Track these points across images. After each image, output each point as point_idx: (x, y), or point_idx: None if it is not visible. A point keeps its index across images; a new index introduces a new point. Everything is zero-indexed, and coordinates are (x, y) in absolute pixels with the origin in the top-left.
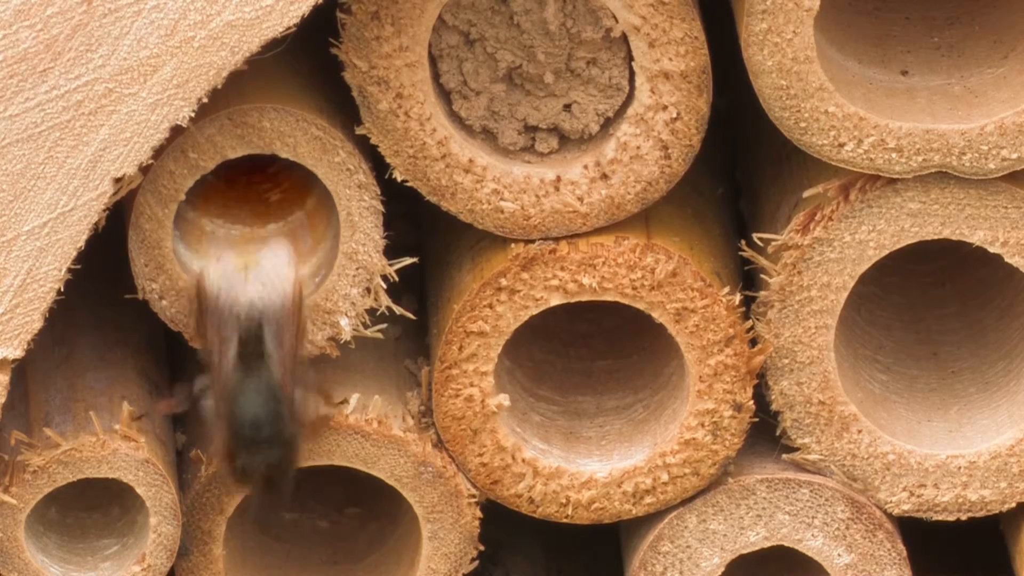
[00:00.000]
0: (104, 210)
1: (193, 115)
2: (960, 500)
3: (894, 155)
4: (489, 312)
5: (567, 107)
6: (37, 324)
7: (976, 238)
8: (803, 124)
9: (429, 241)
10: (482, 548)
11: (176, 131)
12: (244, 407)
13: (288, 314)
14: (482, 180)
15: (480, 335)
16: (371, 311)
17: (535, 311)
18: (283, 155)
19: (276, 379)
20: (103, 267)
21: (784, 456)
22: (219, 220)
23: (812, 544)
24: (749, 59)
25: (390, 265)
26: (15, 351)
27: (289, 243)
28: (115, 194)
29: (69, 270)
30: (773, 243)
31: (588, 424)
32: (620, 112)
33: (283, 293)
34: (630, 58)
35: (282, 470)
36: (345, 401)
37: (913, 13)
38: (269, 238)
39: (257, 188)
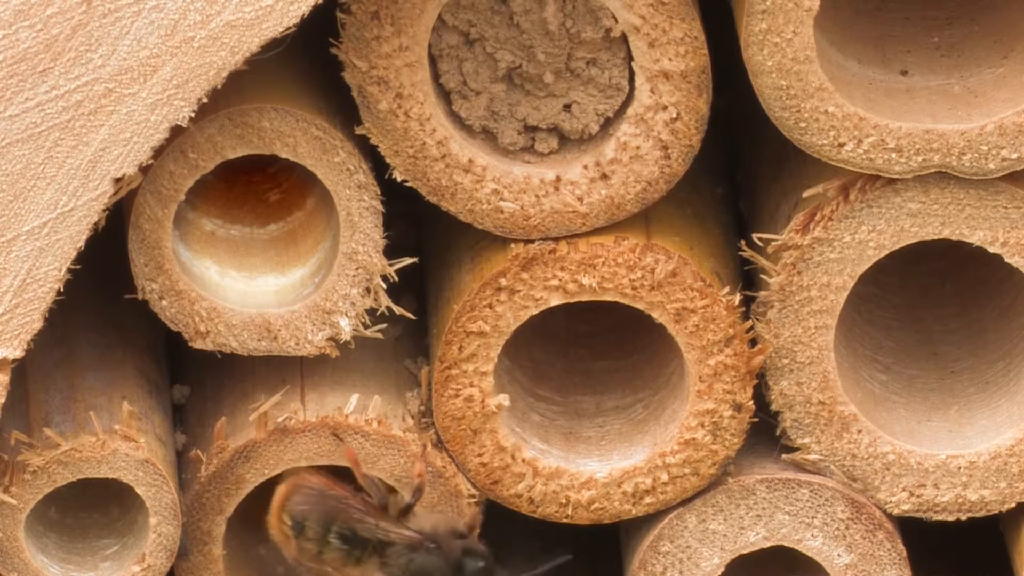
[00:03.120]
0: (104, 210)
1: (193, 115)
2: (960, 500)
3: (894, 155)
4: (489, 312)
5: (567, 107)
6: (37, 324)
7: (976, 238)
8: (803, 124)
9: (429, 241)
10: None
11: (176, 131)
12: None
13: None
14: (482, 180)
15: (480, 335)
16: (371, 311)
17: (535, 311)
18: (283, 155)
19: None
20: (103, 267)
21: (784, 456)
22: (219, 220)
23: (812, 544)
24: (749, 59)
25: (390, 265)
26: (15, 351)
27: None
28: (115, 194)
29: (69, 270)
30: (773, 243)
31: (588, 424)
32: (620, 112)
33: None
34: (630, 58)
35: None
36: None
37: (913, 13)
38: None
39: (257, 188)
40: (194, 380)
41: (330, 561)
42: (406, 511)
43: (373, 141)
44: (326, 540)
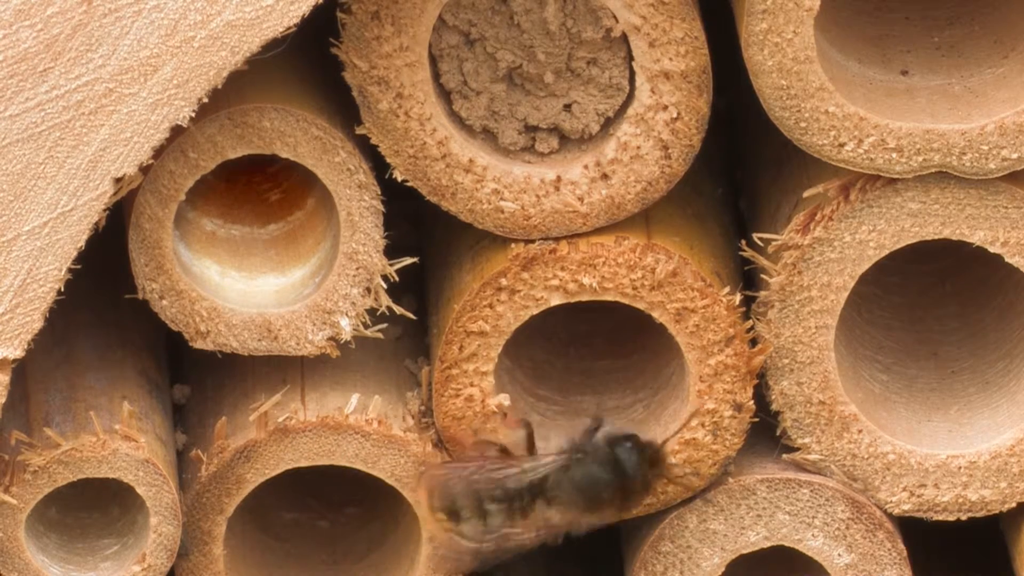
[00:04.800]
0: (104, 210)
1: (193, 115)
2: (960, 500)
3: (894, 155)
4: (489, 312)
5: (567, 107)
6: (37, 324)
7: (976, 238)
8: (803, 124)
9: (429, 241)
10: None
11: (176, 131)
12: None
13: None
14: (482, 180)
15: (480, 335)
16: (371, 311)
17: (535, 311)
18: (283, 155)
19: None
20: (103, 267)
21: (784, 456)
22: (219, 220)
23: (812, 544)
24: (749, 59)
25: (390, 265)
26: (15, 351)
27: None
28: (115, 194)
29: (69, 270)
30: (773, 243)
31: None
32: (620, 112)
33: None
34: (630, 58)
35: None
36: None
37: (913, 13)
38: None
39: (257, 188)
40: (194, 380)
41: (501, 526)
42: (531, 442)
43: (373, 141)
44: (485, 511)
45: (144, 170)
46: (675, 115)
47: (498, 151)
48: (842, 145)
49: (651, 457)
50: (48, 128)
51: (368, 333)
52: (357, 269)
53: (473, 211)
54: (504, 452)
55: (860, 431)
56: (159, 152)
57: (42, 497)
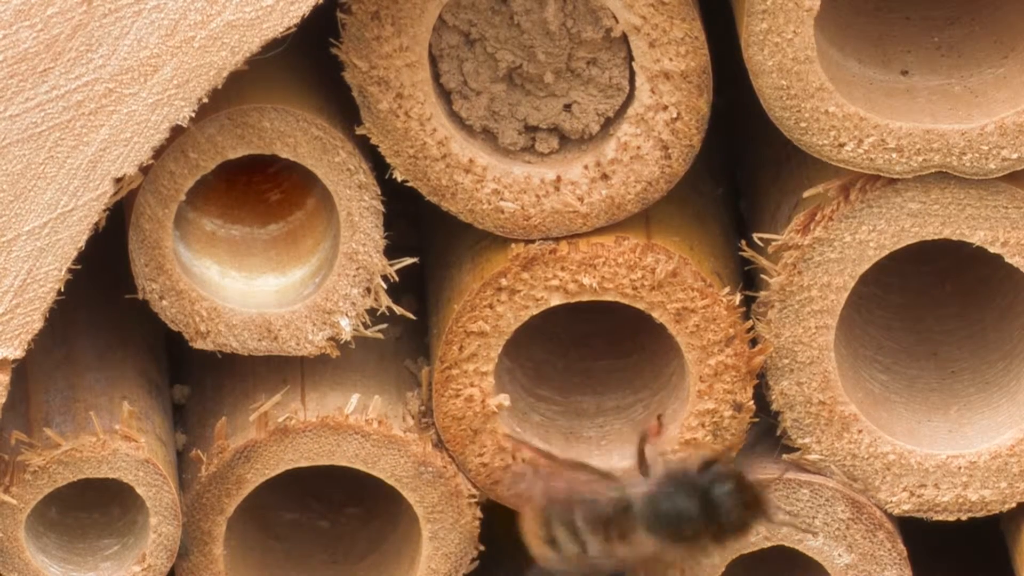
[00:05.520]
0: (104, 210)
1: (193, 115)
2: (960, 500)
3: (894, 155)
4: (489, 312)
5: (567, 107)
6: (37, 324)
7: (976, 238)
8: (803, 124)
9: (429, 241)
10: (482, 548)
11: (176, 131)
12: None
13: None
14: (482, 180)
15: (480, 335)
16: (371, 311)
17: (535, 311)
18: (283, 155)
19: None
20: (103, 267)
21: (784, 456)
22: (219, 220)
23: (812, 544)
24: (749, 59)
25: (390, 265)
26: (15, 351)
27: None
28: (115, 194)
29: (69, 270)
30: (773, 243)
31: (588, 424)
32: (620, 112)
33: None
34: (630, 58)
35: None
36: None
37: (913, 13)
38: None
39: (257, 188)
40: (194, 380)
41: (598, 554)
42: (642, 461)
43: (373, 141)
44: (579, 540)
45: (144, 170)
46: (675, 115)
47: (498, 151)
48: (842, 145)
49: (750, 500)
50: (48, 128)
51: (368, 333)
52: (357, 269)
53: (473, 211)
54: (606, 476)
55: (860, 431)
56: (159, 152)
57: (42, 497)
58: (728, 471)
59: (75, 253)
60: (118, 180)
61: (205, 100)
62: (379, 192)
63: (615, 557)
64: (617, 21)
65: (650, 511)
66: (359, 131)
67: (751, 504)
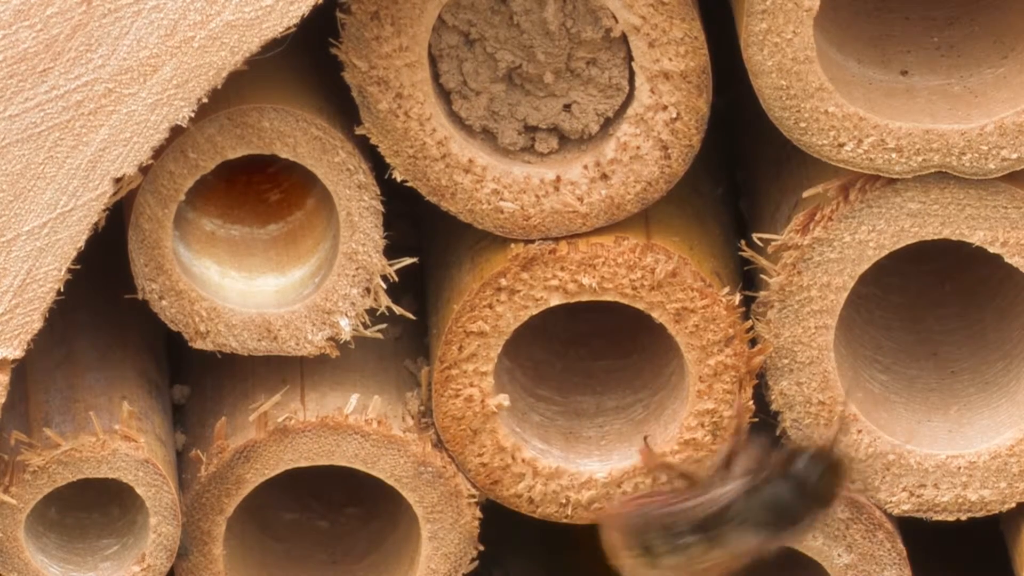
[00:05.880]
0: (104, 210)
1: (193, 115)
2: (960, 500)
3: (894, 155)
4: (489, 312)
5: (567, 107)
6: (37, 324)
7: (976, 238)
8: (803, 124)
9: (429, 241)
10: (482, 548)
11: (176, 131)
12: None
13: None
14: (482, 180)
15: (480, 335)
16: (371, 311)
17: (535, 311)
18: (283, 155)
19: None
20: (103, 267)
21: None
22: (219, 220)
23: (812, 544)
24: (749, 59)
25: (390, 265)
26: (15, 351)
27: None
28: (115, 194)
29: (69, 270)
30: (773, 243)
31: (588, 424)
32: (620, 112)
33: None
34: (630, 58)
35: None
36: None
37: (913, 13)
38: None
39: (257, 188)
40: (194, 380)
41: (699, 558)
42: (730, 460)
43: (373, 141)
44: (677, 547)
45: (144, 170)
46: (675, 115)
47: (498, 151)
48: (842, 145)
49: (831, 465)
50: (48, 128)
51: (368, 333)
52: (357, 269)
53: (473, 211)
54: (686, 477)
55: (860, 431)
56: (159, 152)
57: (42, 497)
58: (810, 446)
59: (75, 253)
60: (118, 180)
61: (205, 100)
62: (379, 192)
63: (715, 559)
64: (617, 21)
65: (747, 507)
66: (359, 131)
67: (834, 469)
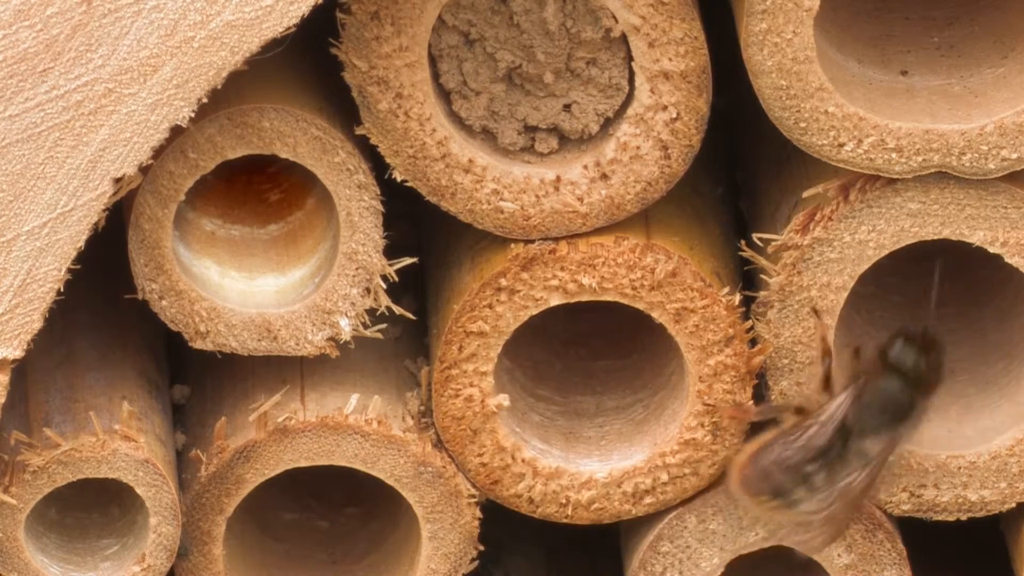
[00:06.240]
0: (104, 210)
1: (193, 115)
2: (960, 500)
3: (894, 155)
4: (489, 312)
5: (567, 107)
6: (37, 324)
7: (976, 238)
8: (803, 124)
9: (429, 241)
10: (482, 548)
11: (176, 131)
12: None
13: None
14: (482, 180)
15: (480, 335)
16: (371, 311)
17: (535, 311)
18: (283, 155)
19: None
20: (103, 267)
21: None
22: (219, 220)
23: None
24: (749, 59)
25: (390, 265)
26: (15, 351)
27: None
28: (115, 194)
29: (69, 270)
30: (773, 243)
31: (588, 424)
32: (620, 112)
33: None
34: (630, 58)
35: None
36: None
37: (913, 13)
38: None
39: (257, 188)
40: (194, 380)
41: (829, 486)
42: (827, 382)
43: (373, 141)
44: (806, 478)
45: (144, 170)
46: (675, 115)
47: (498, 151)
48: (842, 145)
49: (925, 344)
50: (48, 128)
51: (368, 333)
52: (357, 269)
53: (473, 211)
54: (798, 412)
55: None
56: (159, 152)
57: (42, 497)
58: (899, 335)
59: (75, 253)
60: (118, 180)
61: (205, 100)
62: (379, 192)
63: (845, 482)
64: (617, 21)
65: (859, 417)
66: (359, 131)
67: (929, 347)
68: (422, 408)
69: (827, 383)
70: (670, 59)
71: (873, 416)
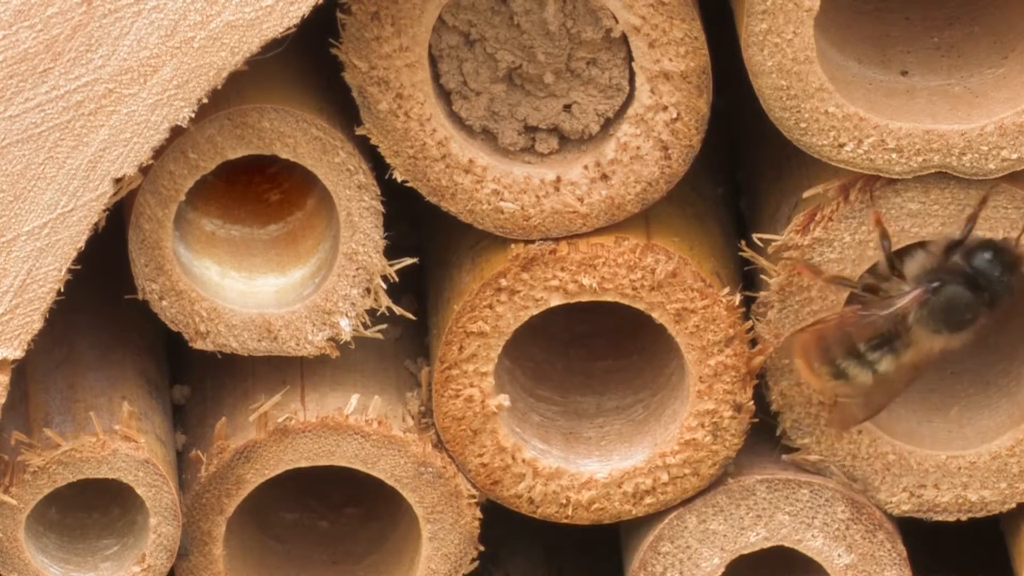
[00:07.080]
0: (104, 210)
1: (193, 115)
2: (960, 500)
3: (894, 155)
4: (489, 312)
5: (567, 107)
6: (37, 324)
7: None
8: (803, 124)
9: (429, 241)
10: (482, 548)
11: (176, 131)
12: None
13: None
14: (482, 180)
15: (480, 335)
16: (371, 311)
17: (535, 311)
18: (283, 155)
19: None
20: (103, 267)
21: (784, 456)
22: (219, 220)
23: (812, 544)
24: (749, 59)
25: (390, 265)
26: (15, 351)
27: None
28: (115, 194)
29: (69, 270)
30: (773, 243)
31: (588, 424)
32: (620, 112)
33: None
34: (630, 58)
35: None
36: None
37: (913, 13)
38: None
39: (257, 188)
40: (194, 380)
41: (886, 369)
42: (891, 263)
43: (373, 141)
44: (868, 361)
45: (144, 171)
46: (675, 115)
47: (498, 151)
48: (842, 145)
49: (1009, 261)
50: (48, 129)
51: (368, 333)
52: (357, 269)
53: (473, 211)
54: (866, 289)
55: (860, 431)
56: (159, 153)
57: (42, 497)
58: (983, 241)
59: (75, 253)
60: (118, 180)
61: (205, 100)
62: (379, 192)
63: (905, 366)
64: (617, 21)
65: (928, 311)
66: (359, 131)
67: (1011, 265)
68: (422, 408)
69: (893, 267)
70: (670, 59)
71: (939, 315)
